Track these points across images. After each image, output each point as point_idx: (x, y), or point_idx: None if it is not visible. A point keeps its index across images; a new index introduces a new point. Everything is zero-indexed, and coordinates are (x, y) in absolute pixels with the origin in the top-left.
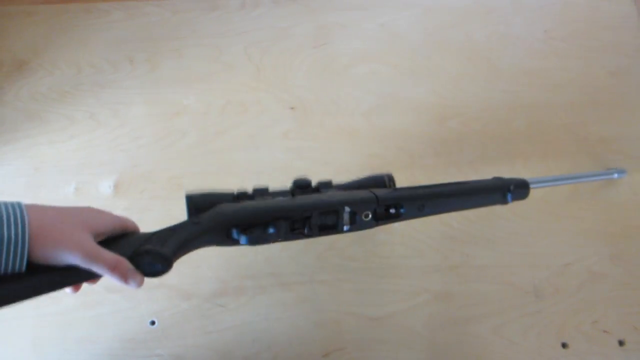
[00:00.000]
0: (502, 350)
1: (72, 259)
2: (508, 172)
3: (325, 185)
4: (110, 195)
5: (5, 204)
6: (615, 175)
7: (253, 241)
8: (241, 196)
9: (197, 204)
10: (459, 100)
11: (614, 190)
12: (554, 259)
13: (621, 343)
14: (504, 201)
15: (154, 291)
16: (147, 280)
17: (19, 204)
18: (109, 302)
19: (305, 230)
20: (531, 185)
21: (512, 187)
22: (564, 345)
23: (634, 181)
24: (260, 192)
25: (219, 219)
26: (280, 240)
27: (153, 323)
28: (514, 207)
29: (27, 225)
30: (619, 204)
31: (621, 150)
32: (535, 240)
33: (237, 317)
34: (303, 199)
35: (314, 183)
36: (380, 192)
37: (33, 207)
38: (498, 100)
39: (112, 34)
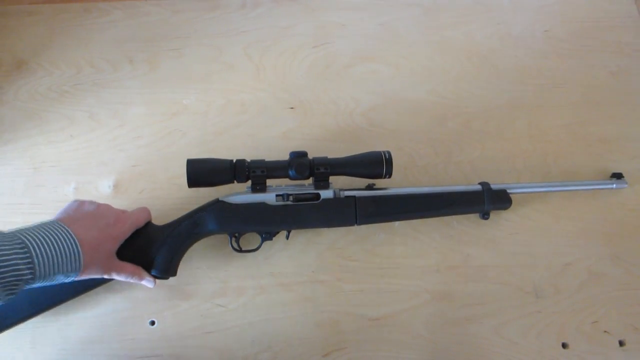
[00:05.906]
0: (502, 351)
1: (106, 275)
2: (508, 172)
3: (320, 160)
4: (110, 195)
5: (64, 240)
6: (614, 186)
7: None
8: (239, 164)
9: (196, 169)
10: (459, 100)
11: (614, 190)
12: (554, 259)
13: (621, 343)
14: (483, 213)
15: (154, 291)
16: None
17: (74, 240)
18: (109, 302)
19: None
20: (529, 190)
21: (486, 202)
22: (564, 346)
23: (634, 181)
24: (257, 164)
25: None
26: None
27: (153, 323)
28: (513, 207)
29: (82, 259)
30: (619, 204)
31: (621, 150)
32: (535, 240)
33: (237, 317)
34: None
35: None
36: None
37: (80, 235)
38: (498, 100)
39: (112, 33)
